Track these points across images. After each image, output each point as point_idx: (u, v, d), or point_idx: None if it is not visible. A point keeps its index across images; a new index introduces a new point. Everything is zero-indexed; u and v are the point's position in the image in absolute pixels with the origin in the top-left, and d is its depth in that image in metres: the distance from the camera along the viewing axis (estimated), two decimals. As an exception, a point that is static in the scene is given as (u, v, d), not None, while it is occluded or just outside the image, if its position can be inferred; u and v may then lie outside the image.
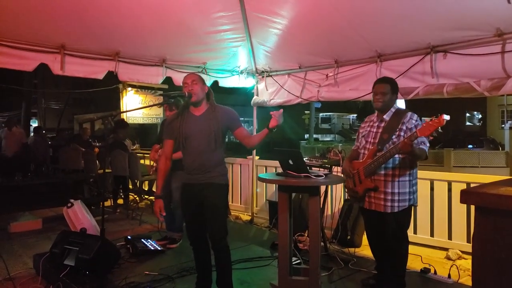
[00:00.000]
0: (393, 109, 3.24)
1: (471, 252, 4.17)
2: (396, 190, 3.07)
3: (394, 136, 3.08)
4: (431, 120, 2.76)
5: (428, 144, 3.05)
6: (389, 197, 3.07)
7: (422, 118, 3.60)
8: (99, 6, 4.05)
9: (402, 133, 3.05)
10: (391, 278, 3.20)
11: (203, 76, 4.81)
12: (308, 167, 3.15)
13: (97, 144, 7.91)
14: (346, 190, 3.47)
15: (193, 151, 2.92)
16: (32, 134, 11.72)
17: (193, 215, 3.02)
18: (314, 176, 2.90)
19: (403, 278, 3.21)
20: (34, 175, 6.41)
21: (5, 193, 5.94)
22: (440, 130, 2.75)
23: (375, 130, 3.25)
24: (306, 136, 28.58)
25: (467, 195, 1.33)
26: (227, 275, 2.98)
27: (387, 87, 3.22)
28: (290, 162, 2.99)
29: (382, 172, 3.10)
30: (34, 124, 23.98)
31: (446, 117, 2.69)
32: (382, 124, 3.22)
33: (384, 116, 3.22)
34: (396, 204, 3.07)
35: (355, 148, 3.49)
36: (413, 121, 3.09)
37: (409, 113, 3.14)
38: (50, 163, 9.46)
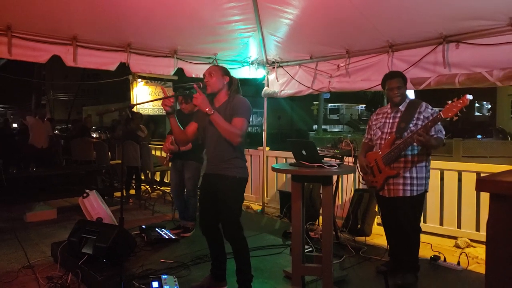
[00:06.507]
0: (407, 100, 3.34)
1: (479, 241, 4.21)
2: (415, 175, 3.18)
3: (411, 125, 3.17)
4: (453, 101, 2.82)
5: (444, 132, 3.17)
6: (408, 181, 3.18)
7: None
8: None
9: (419, 122, 3.15)
10: (406, 263, 3.27)
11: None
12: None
13: (99, 134, 8.03)
14: (365, 183, 3.51)
15: (210, 141, 2.96)
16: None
17: (206, 205, 3.06)
18: (327, 166, 2.93)
19: (417, 262, 3.31)
20: (47, 166, 6.52)
21: (19, 183, 6.07)
22: (464, 110, 2.81)
23: (391, 120, 3.32)
24: (315, 127, 28.50)
25: (482, 183, 1.37)
26: (243, 264, 3.00)
27: (401, 81, 3.31)
28: (304, 152, 3.02)
29: (402, 159, 3.20)
30: (44, 115, 24.26)
31: (469, 96, 2.72)
32: (398, 115, 3.30)
33: (400, 107, 3.31)
34: (414, 188, 3.18)
35: (366, 141, 3.57)
36: (429, 110, 3.19)
37: (424, 103, 3.24)
38: (62, 154, 9.60)
